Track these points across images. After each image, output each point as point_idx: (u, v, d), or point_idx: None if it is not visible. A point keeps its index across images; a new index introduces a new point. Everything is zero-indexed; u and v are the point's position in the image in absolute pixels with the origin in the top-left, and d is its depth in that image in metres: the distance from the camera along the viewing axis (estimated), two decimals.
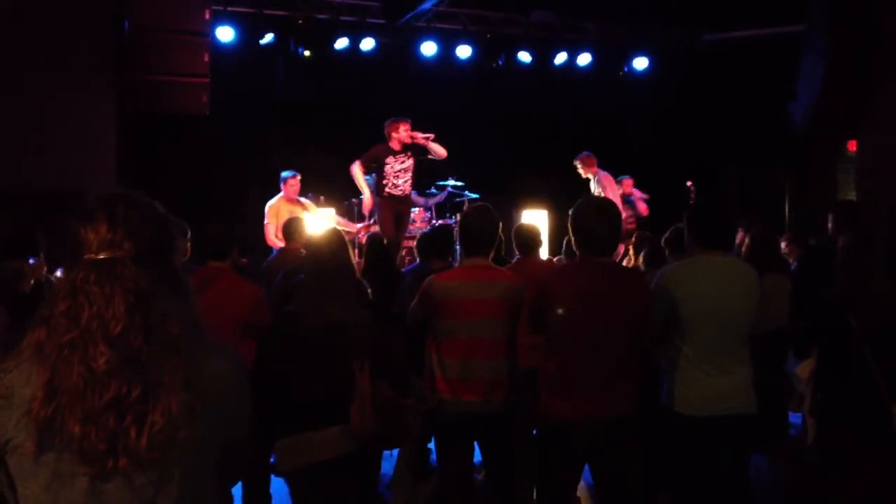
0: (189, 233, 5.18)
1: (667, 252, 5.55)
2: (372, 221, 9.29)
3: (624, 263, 6.82)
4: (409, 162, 8.71)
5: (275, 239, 8.38)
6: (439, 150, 8.75)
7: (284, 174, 8.68)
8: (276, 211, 8.63)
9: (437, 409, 3.90)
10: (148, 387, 1.56)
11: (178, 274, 1.78)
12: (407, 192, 8.84)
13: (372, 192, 8.74)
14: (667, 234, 5.63)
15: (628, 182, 10.42)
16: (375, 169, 8.65)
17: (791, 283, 6.04)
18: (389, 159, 8.61)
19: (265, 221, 8.63)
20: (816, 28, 8.73)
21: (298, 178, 8.71)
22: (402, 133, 8.56)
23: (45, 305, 1.61)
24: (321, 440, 3.35)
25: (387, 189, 8.65)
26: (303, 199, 8.81)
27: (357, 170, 8.57)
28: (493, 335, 3.91)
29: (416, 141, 8.60)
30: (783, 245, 7.39)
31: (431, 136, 8.66)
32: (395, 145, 8.61)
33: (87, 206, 1.68)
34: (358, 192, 9.29)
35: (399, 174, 8.69)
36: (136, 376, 1.56)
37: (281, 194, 8.70)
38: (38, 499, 1.57)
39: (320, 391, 3.36)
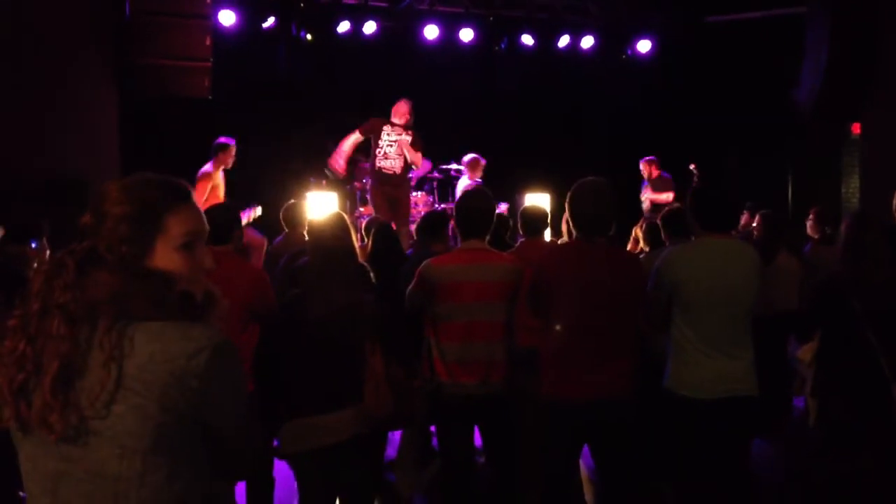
0: None
1: (663, 233, 5.53)
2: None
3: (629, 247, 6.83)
4: (405, 137, 8.76)
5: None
6: (415, 160, 8.84)
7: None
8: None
9: (435, 393, 3.92)
10: (42, 359, 1.62)
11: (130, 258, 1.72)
12: (398, 171, 8.85)
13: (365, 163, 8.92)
14: (663, 215, 5.61)
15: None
16: (372, 138, 8.75)
17: (801, 264, 6.05)
18: (386, 127, 8.75)
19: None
20: (819, 10, 8.69)
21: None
22: (402, 110, 8.72)
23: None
24: (334, 422, 3.37)
25: (378, 162, 8.73)
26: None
27: (356, 133, 8.76)
28: (491, 318, 3.92)
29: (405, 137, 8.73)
30: (809, 220, 7.30)
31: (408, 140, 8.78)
32: (393, 117, 8.78)
33: None
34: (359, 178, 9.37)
35: (392, 144, 8.75)
36: (35, 352, 1.63)
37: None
38: (24, 466, 1.69)
39: (328, 374, 3.38)
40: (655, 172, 10.24)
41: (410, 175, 9.36)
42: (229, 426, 1.74)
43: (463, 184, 9.79)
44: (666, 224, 5.43)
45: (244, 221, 8.45)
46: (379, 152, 8.76)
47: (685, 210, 3.92)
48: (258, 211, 8.66)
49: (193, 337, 1.65)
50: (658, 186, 10.13)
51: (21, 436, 1.66)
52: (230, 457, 1.81)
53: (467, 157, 9.88)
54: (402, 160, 8.87)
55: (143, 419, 1.59)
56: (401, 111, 8.75)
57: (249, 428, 1.81)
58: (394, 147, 8.78)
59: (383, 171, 8.75)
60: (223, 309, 1.88)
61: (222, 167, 8.42)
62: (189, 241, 1.76)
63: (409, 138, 8.76)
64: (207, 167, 8.33)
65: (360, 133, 8.81)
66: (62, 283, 1.64)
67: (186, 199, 1.79)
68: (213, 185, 8.33)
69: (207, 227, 1.84)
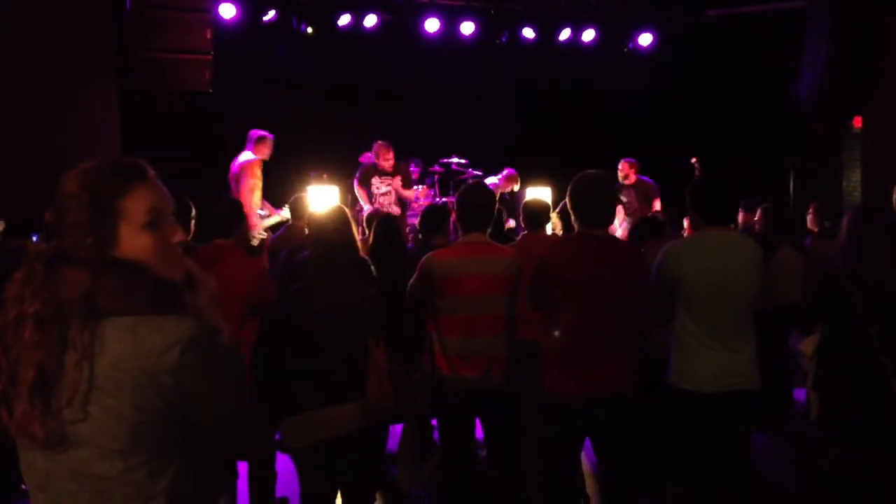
0: (193, 210, 5.18)
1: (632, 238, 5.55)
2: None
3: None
4: (395, 183, 9.25)
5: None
6: (407, 195, 9.39)
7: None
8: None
9: (437, 386, 3.92)
10: (16, 364, 1.61)
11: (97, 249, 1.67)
12: (394, 212, 9.13)
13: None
14: (634, 224, 5.61)
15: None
16: (367, 186, 9.17)
17: (803, 258, 6.05)
18: (374, 179, 9.17)
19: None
20: (820, 4, 8.67)
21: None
22: (383, 162, 9.12)
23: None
24: (336, 416, 3.37)
25: (374, 205, 9.10)
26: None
27: (357, 188, 9.19)
28: (493, 311, 3.93)
29: (392, 187, 9.20)
30: (809, 214, 7.39)
31: (398, 180, 9.24)
32: (380, 167, 9.18)
33: None
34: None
35: (384, 195, 9.20)
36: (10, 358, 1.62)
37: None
38: (20, 464, 1.70)
39: (330, 369, 3.38)
40: (633, 177, 10.04)
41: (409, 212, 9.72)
42: (216, 421, 1.70)
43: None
44: (637, 231, 5.44)
45: (272, 220, 8.58)
46: (374, 200, 9.14)
47: (686, 203, 3.91)
48: (286, 213, 8.70)
49: (166, 331, 1.60)
50: (652, 193, 10.03)
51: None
52: (228, 452, 1.78)
53: (508, 171, 10.03)
54: (397, 203, 9.30)
55: (117, 419, 1.57)
56: (386, 159, 9.11)
57: (245, 421, 1.76)
58: (387, 195, 9.21)
59: (379, 211, 9.00)
60: (209, 287, 1.82)
61: (261, 158, 8.52)
62: (153, 218, 1.70)
63: (399, 182, 9.23)
64: (249, 156, 8.42)
65: (362, 185, 9.18)
66: (32, 291, 1.61)
67: (141, 177, 1.72)
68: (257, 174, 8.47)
69: (171, 201, 1.78)
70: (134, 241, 1.68)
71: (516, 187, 9.96)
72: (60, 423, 1.58)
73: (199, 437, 1.70)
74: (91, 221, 1.64)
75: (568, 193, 3.71)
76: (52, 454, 1.61)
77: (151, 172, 1.75)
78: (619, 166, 10.05)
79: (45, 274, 1.62)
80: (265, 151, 8.50)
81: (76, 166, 1.72)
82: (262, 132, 8.55)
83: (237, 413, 1.73)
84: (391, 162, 9.16)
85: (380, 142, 9.24)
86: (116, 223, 1.66)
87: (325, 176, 9.42)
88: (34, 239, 4.63)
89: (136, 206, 1.68)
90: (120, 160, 1.74)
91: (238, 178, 8.35)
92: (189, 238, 5.11)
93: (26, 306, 1.60)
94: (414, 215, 9.36)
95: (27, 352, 1.58)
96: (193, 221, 5.18)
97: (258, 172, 8.38)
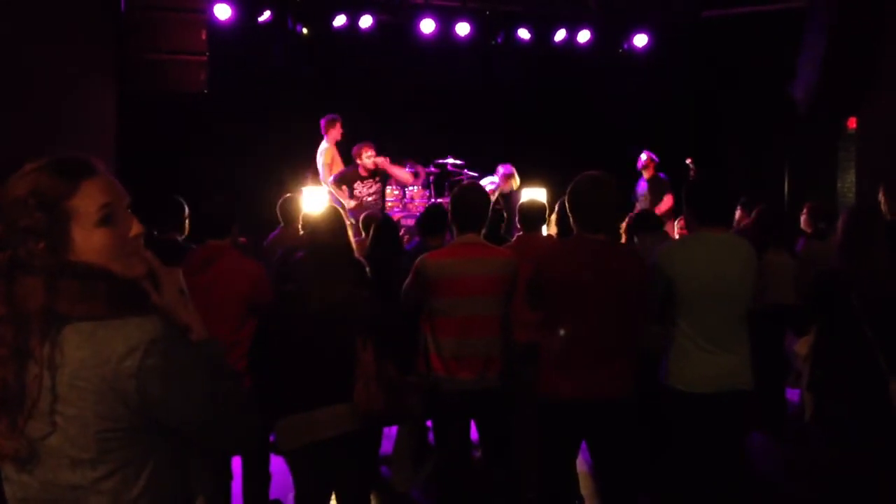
0: (186, 210, 5.17)
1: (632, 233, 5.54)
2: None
3: None
4: (376, 186, 9.08)
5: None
6: (402, 176, 9.18)
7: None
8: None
9: (432, 388, 3.91)
10: None
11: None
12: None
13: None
14: (632, 218, 5.60)
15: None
16: (347, 189, 8.98)
17: (794, 260, 6.05)
18: (357, 184, 9.01)
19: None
20: (818, 4, 8.67)
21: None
22: (366, 159, 8.89)
23: None
24: (326, 418, 3.36)
25: (358, 204, 9.03)
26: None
27: (334, 189, 8.97)
28: (488, 312, 3.91)
29: (379, 167, 8.92)
30: (803, 215, 7.40)
31: (387, 159, 8.98)
32: (361, 171, 8.95)
33: None
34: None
35: (368, 196, 9.06)
36: None
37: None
38: (1, 474, 1.67)
39: (322, 370, 3.37)
40: (651, 171, 10.27)
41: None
42: (191, 421, 1.67)
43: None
44: (634, 226, 5.44)
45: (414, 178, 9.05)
46: (356, 201, 9.01)
47: (682, 203, 3.91)
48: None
49: (126, 335, 1.55)
50: (664, 189, 10.11)
51: None
52: (214, 449, 1.76)
53: (505, 169, 9.74)
54: (380, 201, 9.23)
55: (82, 429, 1.55)
56: (364, 164, 8.94)
57: (225, 417, 1.73)
58: (371, 196, 9.10)
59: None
60: (175, 282, 1.77)
61: (332, 142, 9.02)
62: (105, 214, 1.63)
63: (379, 185, 9.11)
64: (322, 145, 8.99)
65: (340, 187, 9.02)
66: None
67: (88, 174, 1.65)
68: (332, 158, 8.96)
69: (125, 195, 1.71)
70: (88, 241, 1.62)
71: (515, 184, 9.72)
72: (28, 438, 1.55)
73: (180, 438, 1.68)
74: (42, 225, 1.58)
75: (567, 194, 3.66)
76: (25, 467, 1.59)
77: (100, 167, 1.69)
78: (643, 157, 10.23)
79: (5, 287, 1.57)
80: (334, 133, 9.00)
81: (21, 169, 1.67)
82: (329, 115, 9.02)
83: (213, 411, 1.69)
84: (373, 166, 8.93)
85: (356, 146, 9.08)
86: (68, 224, 1.60)
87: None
88: None
89: (86, 204, 1.62)
90: (64, 158, 1.68)
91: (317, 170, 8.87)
92: (182, 237, 5.10)
93: None
94: (411, 217, 9.37)
95: None
96: (187, 221, 5.17)
97: (324, 158, 8.96)
